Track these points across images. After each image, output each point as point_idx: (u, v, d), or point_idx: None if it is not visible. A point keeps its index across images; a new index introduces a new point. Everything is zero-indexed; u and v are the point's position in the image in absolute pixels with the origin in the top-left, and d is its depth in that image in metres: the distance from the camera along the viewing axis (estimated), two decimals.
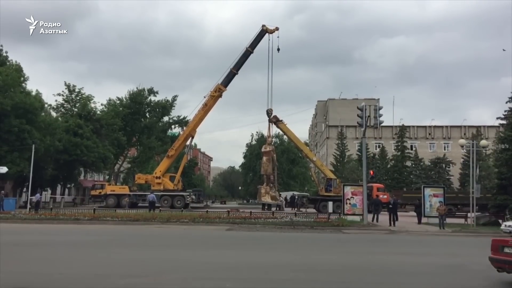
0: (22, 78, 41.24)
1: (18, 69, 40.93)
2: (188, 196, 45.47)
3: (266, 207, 43.79)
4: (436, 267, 12.00)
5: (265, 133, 52.61)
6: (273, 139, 57.48)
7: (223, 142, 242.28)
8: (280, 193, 50.88)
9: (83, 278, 9.47)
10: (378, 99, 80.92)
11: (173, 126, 64.88)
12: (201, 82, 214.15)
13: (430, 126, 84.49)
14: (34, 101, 40.55)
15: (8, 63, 41.41)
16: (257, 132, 76.68)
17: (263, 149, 48.29)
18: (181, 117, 62.71)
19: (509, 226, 23.64)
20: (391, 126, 79.09)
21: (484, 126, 79.06)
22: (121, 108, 57.37)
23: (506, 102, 34.15)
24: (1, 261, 11.23)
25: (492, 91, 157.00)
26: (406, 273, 10.92)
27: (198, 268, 10.94)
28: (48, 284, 8.91)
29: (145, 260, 11.92)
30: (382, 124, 29.38)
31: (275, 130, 52.34)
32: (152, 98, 60.25)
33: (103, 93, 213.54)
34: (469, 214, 29.08)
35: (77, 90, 52.80)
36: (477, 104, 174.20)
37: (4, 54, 41.63)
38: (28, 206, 33.33)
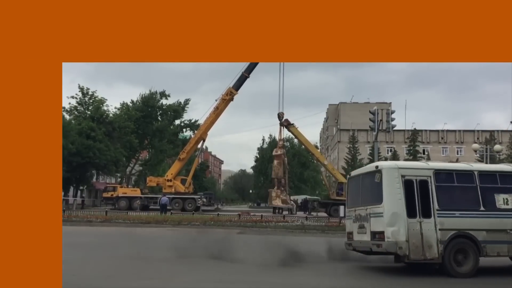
0: None
1: None
2: (199, 199, 45.54)
3: (277, 210, 43.71)
4: None
5: (277, 137, 52.56)
6: (284, 143, 57.39)
7: (234, 145, 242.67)
8: (291, 196, 50.74)
9: (95, 279, 9.58)
10: (390, 102, 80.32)
11: (184, 129, 65.21)
12: (211, 84, 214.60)
13: (442, 130, 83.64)
14: None
15: None
16: (269, 136, 76.52)
17: (274, 153, 48.20)
18: (193, 121, 62.98)
19: None
20: (403, 130, 78.31)
21: (497, 131, 77.87)
22: (133, 112, 57.85)
23: None
24: None
25: (506, 95, 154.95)
26: (417, 280, 10.85)
27: (210, 270, 10.97)
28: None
29: (157, 262, 12.00)
30: (394, 128, 29.20)
31: (286, 133, 52.28)
32: (164, 101, 60.81)
33: (113, 93, 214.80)
34: None
35: (90, 93, 53.44)
36: (491, 108, 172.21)
37: None
38: None
